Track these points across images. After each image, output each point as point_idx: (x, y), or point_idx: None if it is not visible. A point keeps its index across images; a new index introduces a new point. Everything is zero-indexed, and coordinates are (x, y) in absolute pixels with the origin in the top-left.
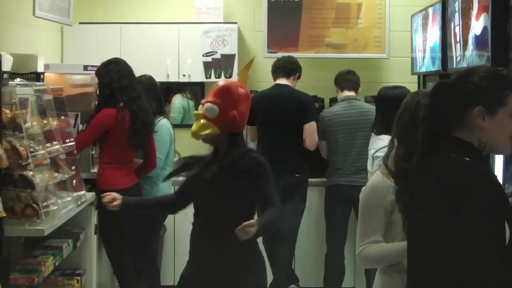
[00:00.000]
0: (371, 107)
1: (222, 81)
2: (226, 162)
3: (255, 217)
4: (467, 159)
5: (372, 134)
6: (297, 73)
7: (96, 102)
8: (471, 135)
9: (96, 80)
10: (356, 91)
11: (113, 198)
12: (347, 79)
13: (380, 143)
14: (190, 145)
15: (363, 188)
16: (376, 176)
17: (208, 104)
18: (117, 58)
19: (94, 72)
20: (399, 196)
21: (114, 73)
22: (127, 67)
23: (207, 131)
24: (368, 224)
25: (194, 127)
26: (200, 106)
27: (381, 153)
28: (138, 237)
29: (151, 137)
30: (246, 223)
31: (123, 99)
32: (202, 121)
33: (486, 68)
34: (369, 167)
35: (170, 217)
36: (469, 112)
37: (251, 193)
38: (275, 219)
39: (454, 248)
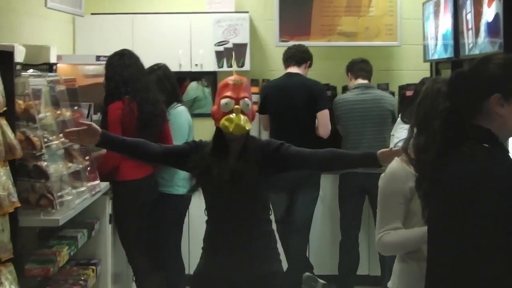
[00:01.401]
0: (385, 95)
1: (238, 76)
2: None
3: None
4: (486, 145)
5: (398, 120)
6: (309, 62)
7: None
8: (490, 122)
9: None
10: (369, 80)
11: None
12: (362, 68)
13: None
14: (201, 134)
15: (382, 174)
16: (396, 163)
17: (247, 100)
18: (123, 50)
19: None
20: (419, 183)
21: (116, 65)
22: (132, 58)
23: (249, 125)
24: (387, 211)
25: (238, 120)
26: (230, 100)
27: None
28: (160, 229)
29: (165, 127)
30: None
31: (127, 91)
32: (243, 116)
33: (502, 55)
34: None
35: None
36: (486, 100)
37: (267, 182)
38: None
39: (468, 239)
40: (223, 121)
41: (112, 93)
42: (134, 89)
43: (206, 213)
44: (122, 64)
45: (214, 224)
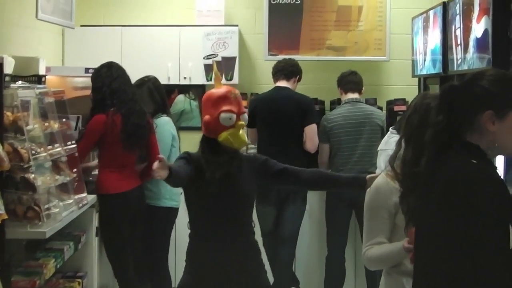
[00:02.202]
0: (375, 110)
1: (233, 88)
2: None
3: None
4: (474, 161)
5: (390, 133)
6: (298, 76)
7: None
8: (481, 138)
9: None
10: (360, 92)
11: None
12: (350, 80)
13: None
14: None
15: (368, 189)
16: (381, 178)
17: (245, 115)
18: (110, 62)
19: None
20: (403, 198)
21: (105, 77)
22: (119, 70)
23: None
24: (372, 225)
25: (243, 137)
26: (231, 115)
27: None
28: (147, 241)
29: (151, 138)
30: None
31: (113, 103)
32: (242, 131)
33: (494, 71)
34: (382, 165)
35: None
36: (478, 116)
37: (254, 191)
38: None
39: (459, 252)
40: (226, 136)
41: (97, 105)
42: (120, 100)
43: (189, 227)
44: (110, 75)
45: (199, 237)
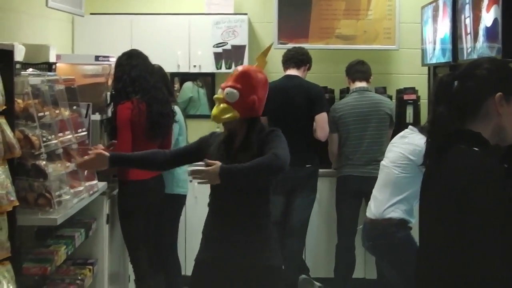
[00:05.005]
0: (383, 99)
1: (241, 66)
2: (245, 147)
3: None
4: (476, 149)
5: (409, 129)
6: (308, 64)
7: (107, 93)
8: (487, 124)
9: (107, 70)
10: (367, 81)
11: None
12: (357, 70)
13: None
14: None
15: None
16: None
17: (229, 89)
18: (131, 50)
19: (105, 62)
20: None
21: (124, 65)
22: (139, 58)
23: (228, 115)
24: None
25: (214, 111)
26: (220, 90)
27: None
28: (158, 229)
29: (170, 127)
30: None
31: (135, 91)
32: (222, 105)
33: (489, 58)
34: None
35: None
36: (488, 100)
37: None
38: (257, 164)
39: (458, 243)
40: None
41: (120, 93)
42: (142, 88)
43: (209, 198)
44: (129, 64)
45: (210, 210)
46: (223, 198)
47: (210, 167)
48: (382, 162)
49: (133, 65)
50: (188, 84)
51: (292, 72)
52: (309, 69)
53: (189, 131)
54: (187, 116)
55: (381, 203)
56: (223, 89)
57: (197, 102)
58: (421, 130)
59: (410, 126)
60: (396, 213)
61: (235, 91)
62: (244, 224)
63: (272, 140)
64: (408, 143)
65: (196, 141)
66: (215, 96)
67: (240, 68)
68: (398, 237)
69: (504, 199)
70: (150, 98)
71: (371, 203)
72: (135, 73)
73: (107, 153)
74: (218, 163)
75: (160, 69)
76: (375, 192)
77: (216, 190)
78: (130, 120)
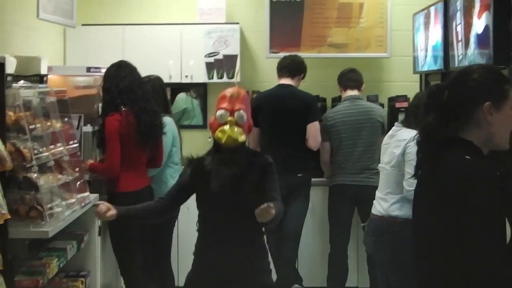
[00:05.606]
0: (375, 106)
1: (236, 88)
2: (244, 167)
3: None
4: (468, 157)
5: (395, 127)
6: (302, 74)
7: (99, 105)
8: (478, 132)
9: (98, 82)
10: (359, 89)
11: (108, 208)
12: (349, 78)
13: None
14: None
15: None
16: None
17: (241, 112)
18: (120, 61)
19: (96, 74)
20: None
21: (113, 77)
22: (127, 69)
23: (243, 138)
24: None
25: (231, 133)
26: (223, 111)
27: None
28: (153, 240)
29: (160, 137)
30: (267, 203)
31: (123, 102)
32: (237, 128)
33: (479, 66)
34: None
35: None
36: (478, 109)
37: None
38: (280, 212)
39: (457, 246)
40: (217, 133)
41: (109, 105)
42: (130, 100)
43: (197, 224)
44: (118, 75)
45: (202, 234)
46: (215, 222)
47: (272, 210)
48: (380, 165)
49: (121, 76)
50: (182, 95)
51: (286, 81)
52: (303, 78)
53: (183, 142)
54: (181, 126)
55: (386, 202)
56: (231, 111)
57: (191, 113)
58: (407, 124)
59: (396, 123)
60: (401, 211)
61: (245, 113)
62: (237, 245)
63: (272, 179)
64: (397, 140)
65: (181, 177)
66: (230, 119)
67: (239, 90)
68: (403, 236)
69: (503, 199)
70: (138, 110)
71: (376, 203)
72: (124, 84)
73: (114, 210)
74: (271, 204)
75: (157, 79)
76: (378, 193)
77: (206, 215)
78: (118, 132)
